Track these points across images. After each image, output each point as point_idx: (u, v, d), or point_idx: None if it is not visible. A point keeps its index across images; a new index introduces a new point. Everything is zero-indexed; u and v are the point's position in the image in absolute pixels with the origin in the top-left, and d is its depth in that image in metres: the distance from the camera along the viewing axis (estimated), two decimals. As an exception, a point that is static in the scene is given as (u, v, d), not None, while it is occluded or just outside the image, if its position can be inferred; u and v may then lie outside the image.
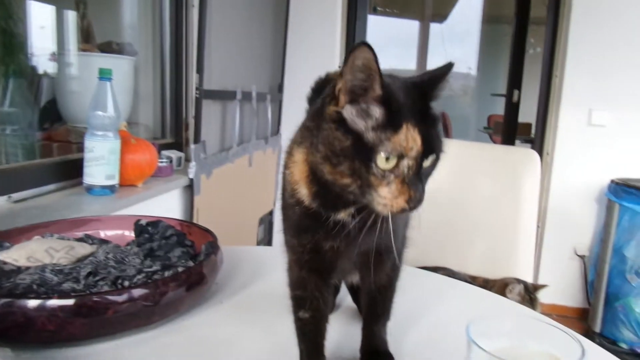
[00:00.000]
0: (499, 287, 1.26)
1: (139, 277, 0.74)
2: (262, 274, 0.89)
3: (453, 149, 1.60)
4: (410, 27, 6.57)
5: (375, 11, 5.71)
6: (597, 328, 2.56)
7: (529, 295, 1.23)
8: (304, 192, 0.50)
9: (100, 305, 0.61)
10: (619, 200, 2.43)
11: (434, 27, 6.48)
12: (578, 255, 2.83)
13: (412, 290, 0.84)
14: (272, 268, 0.91)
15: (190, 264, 0.79)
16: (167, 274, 0.74)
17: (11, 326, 0.58)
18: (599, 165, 2.69)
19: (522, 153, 1.45)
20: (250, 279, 0.86)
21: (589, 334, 2.60)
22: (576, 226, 2.82)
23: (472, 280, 1.35)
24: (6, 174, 1.23)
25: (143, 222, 0.93)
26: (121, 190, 1.34)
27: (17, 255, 0.77)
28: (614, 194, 2.47)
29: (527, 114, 3.49)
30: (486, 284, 1.29)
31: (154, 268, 0.77)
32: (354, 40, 2.86)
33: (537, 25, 4.11)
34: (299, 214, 0.51)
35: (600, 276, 2.55)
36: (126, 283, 0.72)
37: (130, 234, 0.92)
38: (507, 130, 3.48)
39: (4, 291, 0.66)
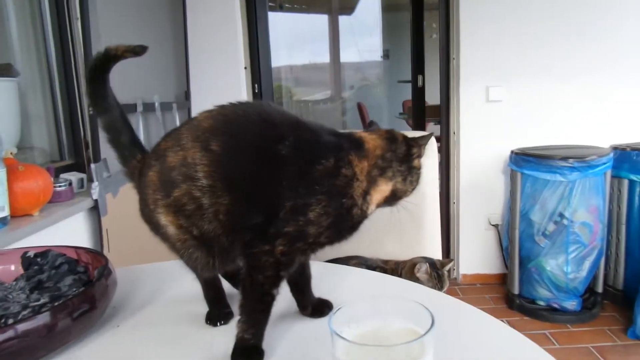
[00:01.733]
0: (409, 268, 1.32)
1: (24, 312, 0.71)
2: (163, 290, 0.87)
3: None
4: (320, 21, 6.65)
5: (282, 8, 5.73)
6: (516, 290, 2.74)
7: (435, 272, 1.30)
8: (372, 207, 0.69)
9: (-28, 349, 0.57)
10: (520, 169, 2.61)
11: (343, 19, 6.61)
12: (492, 225, 3.02)
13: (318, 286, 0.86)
14: (173, 283, 0.90)
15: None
16: (56, 304, 0.72)
17: None
18: (500, 138, 2.88)
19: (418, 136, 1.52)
20: (150, 298, 0.84)
21: (509, 296, 2.78)
22: (488, 198, 3.00)
23: (385, 264, 1.40)
24: None
25: (31, 253, 0.88)
26: (14, 222, 1.27)
27: None
28: (515, 164, 2.65)
29: (437, 96, 3.65)
30: (397, 266, 1.34)
31: (42, 301, 0.74)
32: (257, 40, 2.86)
33: (437, 10, 4.30)
34: (357, 220, 0.68)
35: (512, 242, 2.73)
36: (10, 321, 0.68)
37: (18, 269, 0.87)
38: (416, 114, 3.63)
39: None
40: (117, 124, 0.75)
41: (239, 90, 2.76)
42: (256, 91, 2.85)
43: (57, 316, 0.65)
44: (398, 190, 0.71)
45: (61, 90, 1.74)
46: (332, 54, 6.66)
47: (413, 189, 0.73)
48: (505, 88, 2.86)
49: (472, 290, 3.02)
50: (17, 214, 1.28)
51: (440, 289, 1.32)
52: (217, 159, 0.63)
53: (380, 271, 1.29)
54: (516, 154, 2.66)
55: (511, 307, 2.75)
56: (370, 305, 0.49)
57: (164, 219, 0.67)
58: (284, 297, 0.82)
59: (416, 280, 1.32)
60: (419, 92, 3.60)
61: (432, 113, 3.99)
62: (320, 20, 6.65)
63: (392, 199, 0.71)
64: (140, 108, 1.86)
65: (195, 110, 2.62)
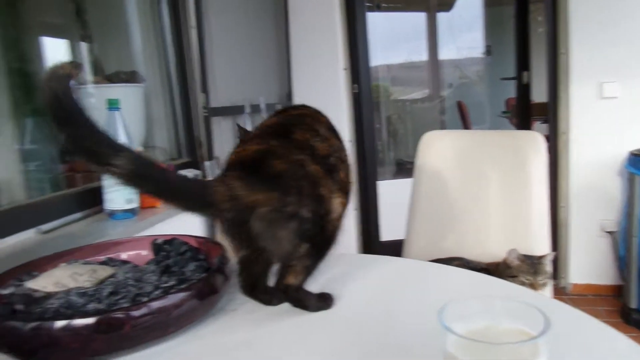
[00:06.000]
0: (504, 260, 1.31)
1: (156, 292, 0.80)
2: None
3: (456, 140, 1.63)
4: (417, 19, 6.56)
5: (379, 8, 5.72)
6: (634, 304, 2.51)
7: (530, 260, 1.27)
8: None
9: (118, 321, 0.66)
10: (639, 171, 2.39)
11: (441, 16, 6.46)
12: (606, 232, 2.79)
13: (417, 283, 0.88)
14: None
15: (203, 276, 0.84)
16: (182, 287, 0.80)
17: (40, 347, 0.63)
18: (616, 138, 2.66)
19: (526, 136, 1.47)
20: (262, 286, 0.90)
21: (625, 310, 2.56)
22: (602, 202, 2.78)
23: (488, 266, 1.36)
24: (34, 207, 1.32)
25: (159, 241, 0.98)
26: (142, 213, 1.41)
27: (45, 282, 0.84)
28: (634, 166, 2.43)
29: (543, 93, 3.46)
30: (498, 268, 1.31)
31: (170, 283, 0.83)
32: (356, 40, 2.89)
33: (542, 2, 4.06)
34: None
35: (630, 251, 2.50)
36: (144, 299, 0.78)
37: (148, 254, 0.98)
38: (521, 112, 3.45)
39: (35, 316, 0.72)
40: (142, 161, 0.63)
41: (338, 91, 2.82)
42: (355, 91, 2.89)
43: (186, 297, 0.72)
44: None
45: (179, 95, 1.90)
46: (430, 52, 6.53)
47: None
48: (620, 84, 2.63)
49: (583, 301, 2.82)
50: (144, 205, 1.43)
51: (534, 275, 1.27)
52: (342, 145, 0.81)
53: (484, 273, 1.26)
54: (635, 155, 2.44)
55: (627, 322, 2.53)
56: (480, 304, 0.50)
57: (338, 201, 0.76)
58: (399, 300, 0.85)
59: (511, 272, 1.29)
60: (524, 90, 3.42)
61: (539, 111, 3.77)
62: (418, 18, 6.55)
63: None
64: (247, 109, 1.98)
65: (297, 111, 2.72)
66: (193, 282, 0.77)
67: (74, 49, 1.90)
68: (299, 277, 0.75)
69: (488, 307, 0.50)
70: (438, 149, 1.53)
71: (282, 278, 0.76)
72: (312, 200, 0.71)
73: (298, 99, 2.70)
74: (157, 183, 0.63)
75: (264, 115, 2.16)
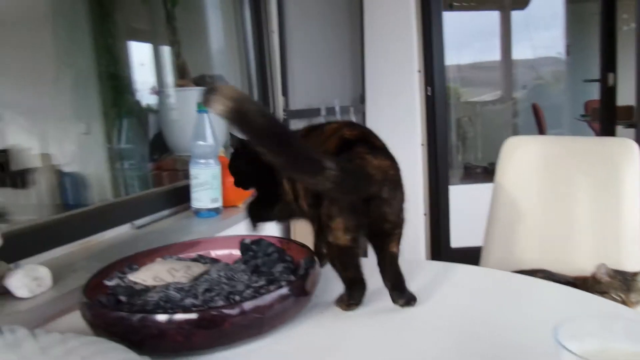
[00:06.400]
0: (592, 275, 1.24)
1: (248, 291, 0.82)
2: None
3: (542, 146, 1.57)
4: (490, 18, 6.36)
5: (451, 7, 5.60)
6: None
7: (622, 276, 1.19)
8: None
9: (218, 318, 0.69)
10: None
11: (516, 14, 6.22)
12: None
13: (499, 294, 0.85)
14: (370, 278, 0.96)
15: (292, 278, 0.86)
16: (272, 287, 0.82)
17: (147, 337, 0.68)
18: None
19: (618, 143, 1.39)
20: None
21: None
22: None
23: (575, 280, 1.30)
24: (129, 204, 1.41)
25: (247, 241, 1.02)
26: (225, 212, 1.47)
27: (145, 276, 0.89)
28: None
29: (630, 95, 3.25)
30: (585, 283, 1.25)
31: (260, 283, 0.85)
32: (431, 40, 2.84)
33: (631, -1, 3.81)
34: None
35: None
36: (237, 297, 0.81)
37: (235, 253, 1.02)
38: (605, 117, 3.26)
39: (137, 308, 0.77)
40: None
41: (411, 93, 2.78)
42: (429, 94, 2.84)
43: (282, 297, 0.75)
44: None
45: (259, 97, 1.96)
46: (503, 52, 6.31)
47: None
48: None
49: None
50: (226, 205, 1.48)
51: (626, 293, 1.20)
52: None
53: (571, 287, 1.21)
54: None
55: None
56: (596, 323, 0.48)
57: None
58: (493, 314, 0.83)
59: (601, 287, 1.23)
60: (608, 92, 3.23)
61: (623, 115, 3.55)
62: (491, 17, 6.34)
63: None
64: (323, 112, 2.01)
65: (370, 114, 2.72)
66: (288, 283, 0.79)
67: (160, 53, 2.01)
68: (397, 246, 0.81)
69: (604, 327, 0.48)
70: (522, 155, 1.48)
71: (386, 247, 0.81)
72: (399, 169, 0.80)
73: (370, 102, 2.70)
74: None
75: (338, 118, 2.18)
